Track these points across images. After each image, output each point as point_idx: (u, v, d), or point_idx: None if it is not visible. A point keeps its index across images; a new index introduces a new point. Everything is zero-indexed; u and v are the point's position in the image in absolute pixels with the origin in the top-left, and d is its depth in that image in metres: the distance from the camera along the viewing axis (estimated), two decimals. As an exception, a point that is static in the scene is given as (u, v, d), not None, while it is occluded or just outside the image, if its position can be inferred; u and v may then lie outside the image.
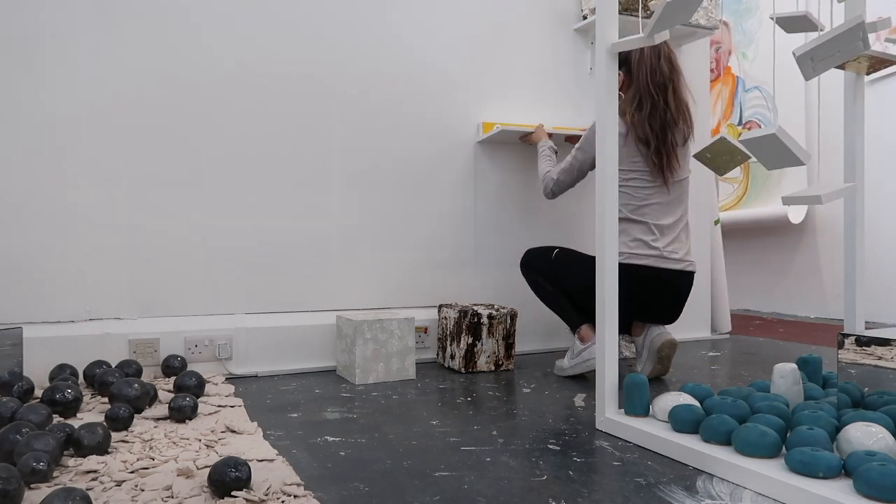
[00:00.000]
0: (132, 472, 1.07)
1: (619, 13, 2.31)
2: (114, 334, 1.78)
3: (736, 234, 4.08)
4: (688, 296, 1.88)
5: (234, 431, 1.32)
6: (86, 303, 1.78)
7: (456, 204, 2.25)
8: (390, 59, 2.14)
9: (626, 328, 1.94)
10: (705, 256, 2.73)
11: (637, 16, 2.36)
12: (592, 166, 1.95)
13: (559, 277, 1.95)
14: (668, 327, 1.92)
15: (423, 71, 2.19)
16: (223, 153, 1.93)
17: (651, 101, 1.80)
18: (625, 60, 1.83)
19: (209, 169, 1.91)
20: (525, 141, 2.25)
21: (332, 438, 1.29)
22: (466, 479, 1.07)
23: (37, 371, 1.67)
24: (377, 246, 2.13)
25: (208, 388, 1.69)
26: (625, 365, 2.10)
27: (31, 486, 1.00)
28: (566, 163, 1.98)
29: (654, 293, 1.81)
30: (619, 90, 1.82)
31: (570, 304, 1.94)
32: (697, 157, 1.28)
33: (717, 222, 2.85)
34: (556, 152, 2.12)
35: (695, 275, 1.89)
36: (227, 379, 1.85)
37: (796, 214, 3.56)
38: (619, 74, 1.84)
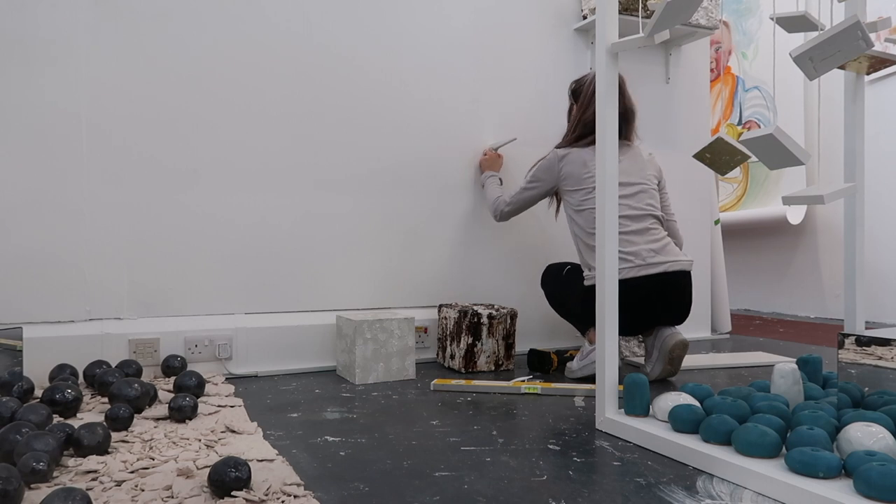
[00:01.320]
0: (132, 472, 1.07)
1: (619, 13, 2.33)
2: (114, 334, 1.78)
3: (736, 235, 4.08)
4: (682, 294, 1.85)
5: (234, 431, 1.32)
6: (86, 303, 1.78)
7: (456, 204, 2.25)
8: (390, 60, 2.14)
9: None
10: (705, 256, 2.73)
11: (637, 16, 2.36)
12: (544, 195, 2.03)
13: (564, 294, 1.99)
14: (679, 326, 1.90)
15: (423, 71, 2.19)
16: (224, 153, 1.93)
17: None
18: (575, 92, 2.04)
19: (210, 169, 1.91)
20: (483, 159, 2.26)
21: (332, 438, 1.29)
22: (466, 479, 1.07)
23: (37, 371, 1.67)
24: (377, 246, 2.13)
25: (208, 388, 1.69)
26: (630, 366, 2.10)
27: (31, 486, 1.00)
28: (519, 192, 2.05)
29: (646, 303, 1.80)
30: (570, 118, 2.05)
31: None
32: (697, 157, 1.28)
33: (717, 222, 2.85)
34: (502, 182, 2.22)
35: (685, 272, 1.85)
36: (227, 379, 1.85)
37: (795, 215, 3.56)
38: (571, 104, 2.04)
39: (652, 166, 1.98)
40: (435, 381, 1.78)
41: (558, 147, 1.99)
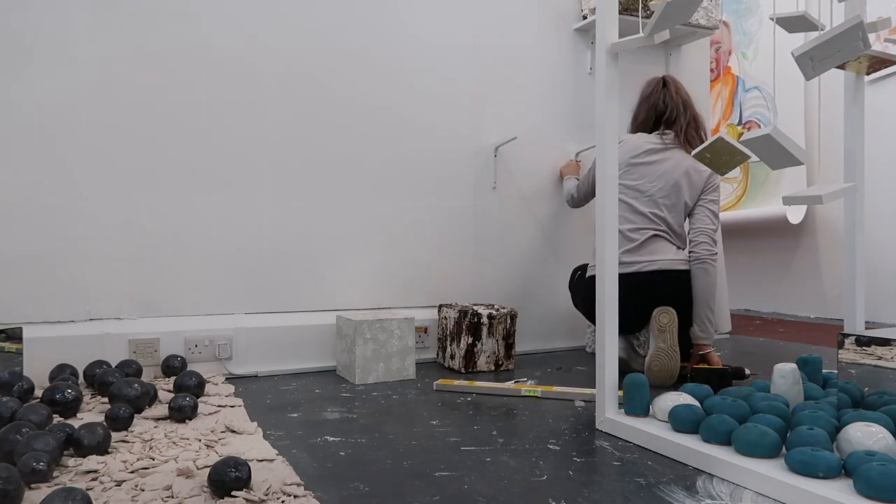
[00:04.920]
0: (132, 472, 1.07)
1: (619, 13, 2.33)
2: (114, 334, 1.78)
3: (736, 234, 4.08)
4: (655, 294, 1.90)
5: (234, 431, 1.32)
6: (86, 303, 1.78)
7: (456, 204, 2.25)
8: (391, 60, 2.14)
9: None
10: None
11: (637, 16, 2.36)
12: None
13: (574, 295, 2.18)
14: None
15: (423, 71, 2.19)
16: (224, 153, 1.93)
17: None
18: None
19: (209, 169, 1.91)
20: (563, 166, 2.42)
21: (332, 438, 1.29)
22: (466, 479, 1.07)
23: (37, 371, 1.67)
24: (377, 246, 2.13)
25: (208, 388, 1.69)
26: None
27: (31, 486, 1.00)
28: (582, 179, 2.26)
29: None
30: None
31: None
32: (697, 156, 1.28)
33: (717, 222, 2.85)
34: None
35: (660, 272, 1.92)
36: (227, 379, 1.85)
37: (795, 215, 3.56)
38: None
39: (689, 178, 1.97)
40: (438, 381, 1.78)
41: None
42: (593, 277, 1.99)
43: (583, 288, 2.07)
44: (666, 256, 1.93)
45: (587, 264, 2.14)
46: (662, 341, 1.80)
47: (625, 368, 1.89)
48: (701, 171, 1.98)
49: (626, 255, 1.91)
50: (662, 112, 2.04)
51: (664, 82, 2.07)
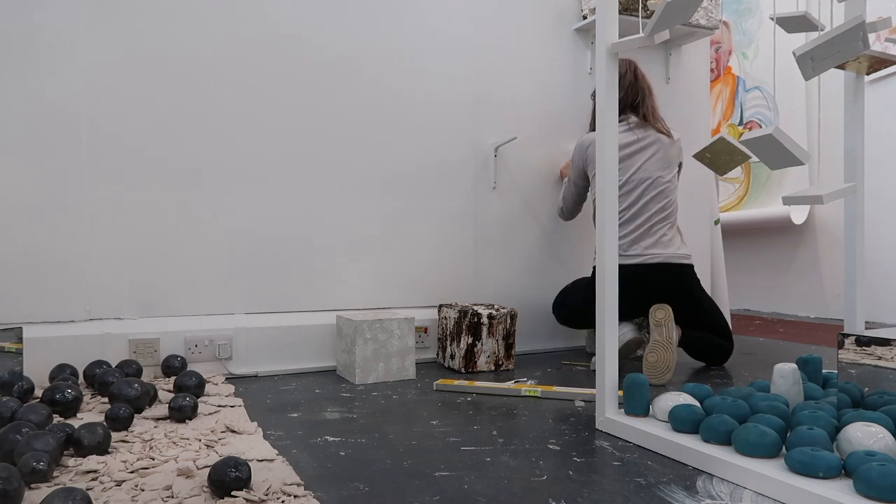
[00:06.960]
0: (132, 472, 1.07)
1: (619, 13, 2.33)
2: (114, 334, 1.78)
3: (736, 234, 4.08)
4: (662, 287, 2.02)
5: (234, 431, 1.32)
6: (86, 303, 1.78)
7: (456, 204, 2.25)
8: (391, 60, 2.14)
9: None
10: (705, 256, 2.73)
11: (637, 16, 2.36)
12: (584, 183, 2.19)
13: (566, 300, 2.21)
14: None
15: (423, 71, 2.19)
16: (224, 153, 1.93)
17: None
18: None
19: (209, 169, 1.91)
20: (563, 167, 2.43)
21: (332, 438, 1.29)
22: (466, 479, 1.07)
23: (37, 371, 1.67)
24: (377, 246, 2.13)
25: (208, 388, 1.69)
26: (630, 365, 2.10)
27: (31, 486, 1.00)
28: (564, 188, 2.28)
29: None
30: None
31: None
32: (697, 157, 1.28)
33: (717, 222, 2.85)
34: None
35: (670, 265, 2.02)
36: (227, 379, 1.85)
37: (799, 215, 3.56)
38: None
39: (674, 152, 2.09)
40: (438, 381, 1.78)
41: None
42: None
43: (583, 287, 2.13)
44: (667, 250, 2.01)
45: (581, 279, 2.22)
46: (658, 335, 1.87)
47: (638, 347, 2.08)
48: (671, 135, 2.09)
49: (633, 246, 2.00)
50: (635, 97, 2.08)
51: (635, 66, 2.11)
